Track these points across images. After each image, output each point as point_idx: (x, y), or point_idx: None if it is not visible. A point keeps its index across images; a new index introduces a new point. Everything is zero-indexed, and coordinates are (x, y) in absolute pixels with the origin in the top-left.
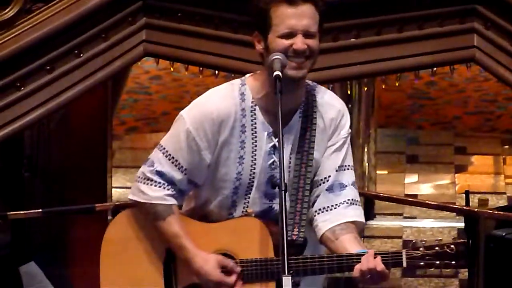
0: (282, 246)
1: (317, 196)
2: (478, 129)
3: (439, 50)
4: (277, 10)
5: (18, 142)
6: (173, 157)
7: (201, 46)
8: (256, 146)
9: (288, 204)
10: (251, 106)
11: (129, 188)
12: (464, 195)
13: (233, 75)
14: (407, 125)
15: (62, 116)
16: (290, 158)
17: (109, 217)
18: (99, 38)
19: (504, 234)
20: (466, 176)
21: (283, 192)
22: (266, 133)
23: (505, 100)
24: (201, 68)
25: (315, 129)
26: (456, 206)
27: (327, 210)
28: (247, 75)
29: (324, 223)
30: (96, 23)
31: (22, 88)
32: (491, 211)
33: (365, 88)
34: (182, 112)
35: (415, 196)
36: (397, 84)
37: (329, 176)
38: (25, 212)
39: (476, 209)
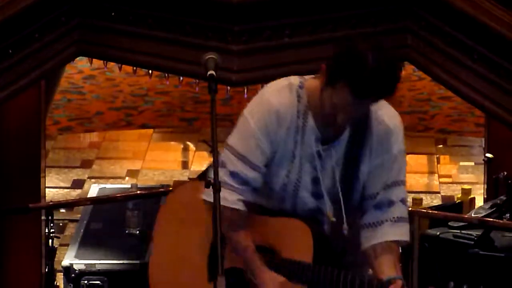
0: (217, 248)
1: (365, 211)
2: (412, 129)
3: None
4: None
5: None
6: (244, 156)
7: (134, 46)
8: (304, 147)
9: (331, 214)
10: (304, 110)
11: (63, 188)
12: None
13: (166, 75)
14: None
15: None
16: (335, 169)
17: (43, 217)
18: (32, 39)
19: (438, 233)
20: None
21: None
22: (314, 137)
23: (439, 100)
24: (135, 68)
25: (363, 145)
26: None
27: (372, 227)
28: (307, 77)
29: (367, 238)
30: (29, 23)
31: None
32: (425, 211)
33: None
34: (245, 112)
35: None
36: None
37: (377, 194)
38: None
39: (410, 209)
